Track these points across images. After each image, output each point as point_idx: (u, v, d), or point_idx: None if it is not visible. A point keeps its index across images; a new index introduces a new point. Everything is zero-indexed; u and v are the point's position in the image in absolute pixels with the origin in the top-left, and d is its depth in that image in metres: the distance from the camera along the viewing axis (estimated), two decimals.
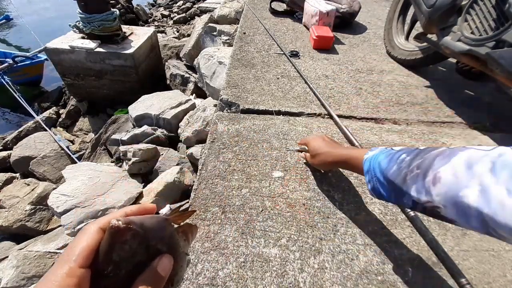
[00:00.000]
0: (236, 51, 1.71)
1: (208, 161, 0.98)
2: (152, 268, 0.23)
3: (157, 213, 0.30)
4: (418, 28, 1.58)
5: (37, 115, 3.23)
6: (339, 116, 1.23)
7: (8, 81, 3.73)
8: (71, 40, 2.96)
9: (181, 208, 0.33)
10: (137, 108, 2.28)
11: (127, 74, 3.07)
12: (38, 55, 4.41)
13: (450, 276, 0.64)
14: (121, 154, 1.80)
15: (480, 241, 0.80)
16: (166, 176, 1.55)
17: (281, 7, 2.39)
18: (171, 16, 6.42)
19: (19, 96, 3.45)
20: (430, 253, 0.73)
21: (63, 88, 4.07)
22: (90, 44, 2.91)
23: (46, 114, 3.35)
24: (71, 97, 3.54)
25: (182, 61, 3.33)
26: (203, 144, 1.27)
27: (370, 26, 2.29)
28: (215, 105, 1.73)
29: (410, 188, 0.47)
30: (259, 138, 1.09)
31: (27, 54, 4.37)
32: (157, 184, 1.52)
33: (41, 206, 1.89)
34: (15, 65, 4.12)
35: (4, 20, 7.03)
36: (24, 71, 4.29)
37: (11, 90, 3.58)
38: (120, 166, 1.87)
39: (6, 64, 3.99)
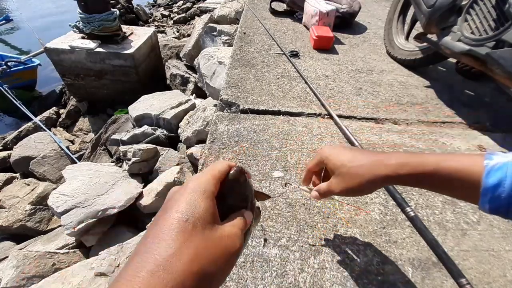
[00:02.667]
0: (236, 51, 1.71)
1: (208, 161, 0.98)
2: (242, 213, 0.31)
3: None
4: (418, 28, 1.58)
5: (35, 117, 3.23)
6: (339, 116, 1.23)
7: (4, 86, 3.72)
8: (71, 40, 2.96)
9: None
10: (137, 108, 2.28)
11: (127, 74, 3.07)
12: (32, 59, 4.39)
13: (450, 276, 0.64)
14: (121, 154, 1.80)
15: (480, 241, 0.80)
16: (166, 176, 1.55)
17: (281, 7, 2.39)
18: (171, 16, 6.42)
19: (13, 98, 3.44)
20: (430, 253, 0.73)
21: (63, 88, 4.07)
22: (90, 44, 2.91)
23: (46, 114, 3.35)
24: (71, 97, 3.54)
25: (182, 61, 3.33)
26: (203, 144, 1.27)
27: (370, 26, 2.29)
28: (215, 105, 1.73)
29: None
30: (259, 138, 1.09)
31: (20, 58, 4.35)
32: (157, 184, 1.52)
33: (41, 206, 1.89)
34: (8, 70, 4.08)
35: (4, 21, 7.03)
36: (17, 76, 4.22)
37: (6, 93, 3.57)
38: (120, 166, 1.87)
39: (0, 69, 3.98)
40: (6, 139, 3.01)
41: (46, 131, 2.81)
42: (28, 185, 2.10)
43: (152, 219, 0.30)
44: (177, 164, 1.74)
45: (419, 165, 0.41)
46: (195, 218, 0.25)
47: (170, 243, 0.23)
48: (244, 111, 1.23)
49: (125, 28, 3.28)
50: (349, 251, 0.74)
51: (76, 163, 2.29)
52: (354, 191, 0.47)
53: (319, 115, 1.27)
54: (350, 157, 0.47)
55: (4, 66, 4.04)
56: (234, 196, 0.31)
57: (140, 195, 1.53)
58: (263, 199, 0.44)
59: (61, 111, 3.54)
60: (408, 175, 0.41)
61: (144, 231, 1.31)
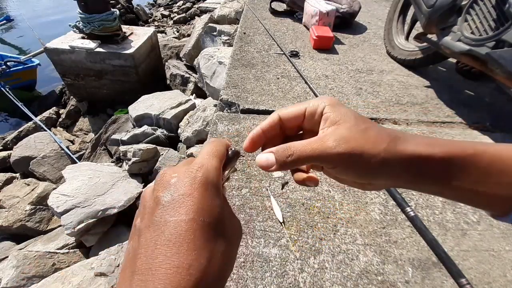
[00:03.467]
0: (236, 51, 1.71)
1: None
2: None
3: None
4: (418, 28, 1.58)
5: (35, 117, 3.23)
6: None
7: (6, 87, 3.72)
8: (71, 40, 2.96)
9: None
10: (137, 108, 2.28)
11: (127, 74, 3.08)
12: (32, 59, 4.38)
13: (450, 276, 0.64)
14: (121, 154, 1.81)
15: (480, 241, 0.80)
16: None
17: (281, 7, 2.39)
18: (171, 16, 6.43)
19: (14, 98, 3.44)
20: (430, 253, 0.73)
21: (63, 88, 4.07)
22: (90, 44, 2.91)
23: (46, 114, 3.35)
24: (71, 97, 3.54)
25: (182, 61, 3.33)
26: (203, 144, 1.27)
27: (370, 26, 2.29)
28: (215, 105, 1.73)
29: None
30: None
31: (20, 58, 4.34)
32: None
33: (41, 206, 1.89)
34: (7, 70, 4.07)
35: (4, 21, 7.03)
36: (16, 76, 4.21)
37: (6, 93, 3.58)
38: (120, 166, 1.87)
39: None
40: (6, 139, 3.01)
41: (46, 131, 2.81)
42: (28, 185, 2.10)
43: (140, 220, 0.23)
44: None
45: (456, 146, 0.26)
46: (214, 220, 0.22)
47: (202, 252, 0.20)
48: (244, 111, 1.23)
49: (125, 28, 3.28)
50: (349, 251, 0.74)
51: (76, 163, 2.29)
52: (359, 169, 0.26)
53: None
54: (366, 119, 0.28)
55: (4, 66, 4.03)
56: (227, 178, 0.31)
57: (140, 195, 1.53)
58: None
59: (61, 111, 3.54)
60: (441, 160, 0.25)
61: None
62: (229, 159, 0.29)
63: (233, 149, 0.30)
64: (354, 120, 0.27)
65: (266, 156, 0.28)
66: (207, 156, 0.25)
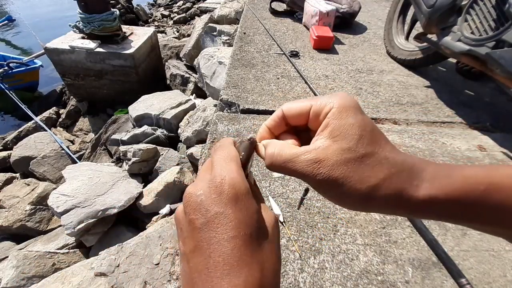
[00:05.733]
0: (236, 51, 1.71)
1: None
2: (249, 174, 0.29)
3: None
4: (418, 28, 1.58)
5: (36, 116, 3.23)
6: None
7: (6, 87, 3.72)
8: (71, 40, 2.96)
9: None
10: (137, 108, 2.28)
11: (127, 74, 3.08)
12: (34, 60, 4.38)
13: (450, 276, 0.64)
14: (121, 154, 1.81)
15: (480, 241, 0.80)
16: (166, 176, 1.55)
17: (281, 7, 2.39)
18: (171, 16, 6.43)
19: (16, 99, 3.45)
20: (430, 253, 0.73)
21: (63, 88, 4.07)
22: (90, 44, 2.91)
23: (46, 114, 3.35)
24: (71, 97, 3.54)
25: (182, 61, 3.33)
26: (203, 144, 1.27)
27: (370, 26, 2.29)
28: (215, 105, 1.73)
29: None
30: None
31: (22, 59, 4.34)
32: (157, 184, 1.52)
33: (41, 206, 1.89)
34: (9, 71, 4.06)
35: (6, 21, 7.03)
36: (18, 78, 4.20)
37: (9, 93, 3.58)
38: (120, 166, 1.87)
39: (1, 70, 3.96)
40: (6, 139, 3.01)
41: (47, 131, 2.81)
42: (28, 185, 2.10)
43: (181, 247, 0.23)
44: (177, 164, 1.74)
45: (467, 182, 0.22)
46: (256, 228, 0.22)
47: (252, 266, 0.20)
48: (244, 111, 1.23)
49: (125, 28, 3.28)
50: (349, 251, 0.74)
51: (76, 163, 2.29)
52: (349, 197, 0.23)
53: None
54: (376, 133, 0.24)
55: (6, 67, 4.02)
56: (250, 172, 0.29)
57: (140, 195, 1.53)
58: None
59: (61, 111, 3.54)
60: (449, 201, 0.22)
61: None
62: (245, 153, 0.27)
63: (247, 139, 0.28)
64: (355, 141, 0.22)
65: (261, 147, 0.29)
66: (224, 163, 0.24)
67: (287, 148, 0.25)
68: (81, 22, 2.91)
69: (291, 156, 0.24)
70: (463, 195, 0.22)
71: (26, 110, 3.27)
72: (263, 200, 0.26)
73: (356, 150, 0.22)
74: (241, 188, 0.22)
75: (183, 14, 5.95)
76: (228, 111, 1.26)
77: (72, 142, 2.95)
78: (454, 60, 1.72)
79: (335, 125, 0.23)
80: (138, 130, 2.03)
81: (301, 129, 0.28)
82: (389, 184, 0.22)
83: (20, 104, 3.39)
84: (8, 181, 2.21)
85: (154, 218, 1.44)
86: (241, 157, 0.26)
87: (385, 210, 0.23)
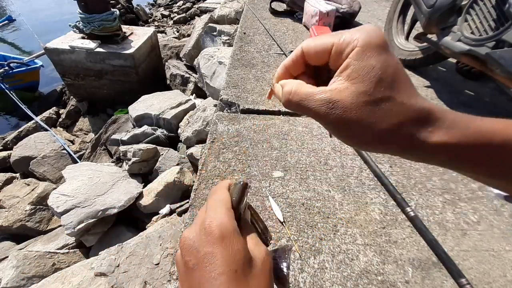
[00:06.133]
0: (236, 51, 1.71)
1: (208, 161, 0.98)
2: (245, 217, 0.32)
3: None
4: (418, 28, 1.58)
5: (36, 116, 3.23)
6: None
7: (6, 87, 3.73)
8: (71, 40, 2.96)
9: None
10: (137, 108, 2.28)
11: (127, 74, 3.08)
12: (35, 60, 4.37)
13: (450, 276, 0.64)
14: (121, 154, 1.81)
15: (480, 241, 0.80)
16: (166, 176, 1.55)
17: (281, 7, 2.39)
18: (171, 16, 6.43)
19: (16, 99, 3.45)
20: (430, 253, 0.73)
21: (63, 88, 4.07)
22: (90, 44, 2.91)
23: (46, 114, 3.35)
24: (71, 97, 3.54)
25: (182, 61, 3.33)
26: (203, 144, 1.27)
27: None
28: (215, 105, 1.73)
29: None
30: (259, 138, 1.09)
31: (23, 59, 4.33)
32: (157, 184, 1.52)
33: (41, 206, 1.89)
34: (10, 71, 4.06)
35: (6, 21, 7.03)
36: (19, 78, 4.19)
37: (9, 93, 3.58)
38: (120, 166, 1.87)
39: (1, 70, 3.96)
40: (6, 139, 3.01)
41: (48, 131, 2.81)
42: (28, 185, 2.10)
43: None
44: (177, 164, 1.74)
45: (483, 135, 0.22)
46: (241, 264, 0.24)
47: None
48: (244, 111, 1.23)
49: (125, 28, 3.28)
50: (349, 251, 0.74)
51: (77, 162, 2.29)
52: (360, 138, 0.24)
53: None
54: (399, 77, 0.23)
55: (6, 67, 4.02)
56: (244, 210, 0.32)
57: (140, 195, 1.53)
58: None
59: (61, 111, 3.54)
60: (467, 147, 0.22)
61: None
62: (237, 195, 0.30)
63: (240, 182, 0.31)
64: (373, 85, 0.22)
65: (278, 86, 0.28)
66: (214, 207, 0.27)
67: (303, 87, 0.24)
68: (81, 22, 2.91)
69: (307, 95, 0.24)
70: (477, 146, 0.22)
71: (26, 110, 3.28)
72: (256, 236, 0.29)
73: (372, 94, 0.22)
74: (227, 228, 0.24)
75: (183, 14, 5.95)
76: (228, 111, 1.26)
77: (72, 142, 2.95)
78: (454, 60, 1.72)
79: (355, 66, 0.22)
80: (138, 130, 2.03)
81: (322, 69, 0.26)
82: (401, 130, 0.22)
83: (20, 104, 3.39)
84: (8, 181, 2.21)
85: (154, 218, 1.44)
86: (233, 198, 0.29)
87: (394, 152, 0.24)
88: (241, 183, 0.31)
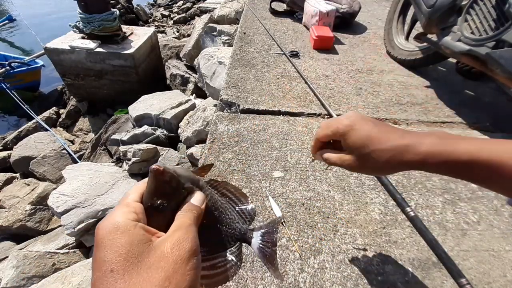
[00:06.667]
0: (236, 51, 1.71)
1: (208, 161, 0.98)
2: (187, 201, 0.30)
3: None
4: (418, 28, 1.58)
5: (37, 116, 3.24)
6: (339, 116, 1.23)
7: (7, 86, 3.73)
8: (71, 40, 2.96)
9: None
10: (137, 108, 2.28)
11: (127, 74, 3.07)
12: (36, 60, 4.37)
13: (450, 276, 0.64)
14: (121, 154, 1.81)
15: (480, 241, 0.80)
16: None
17: (281, 7, 2.39)
18: (171, 16, 6.42)
19: (17, 99, 3.45)
20: (430, 253, 0.73)
21: (63, 88, 4.07)
22: (90, 44, 2.90)
23: (46, 114, 3.35)
24: (71, 97, 3.54)
25: (182, 61, 3.33)
26: (203, 144, 1.27)
27: (370, 26, 2.29)
28: (215, 105, 1.73)
29: None
30: (259, 138, 1.09)
31: (24, 59, 4.33)
32: None
33: (41, 206, 1.89)
34: (11, 71, 4.05)
35: (7, 21, 7.02)
36: (20, 77, 4.17)
37: (10, 93, 3.58)
38: (120, 166, 1.87)
39: (2, 70, 3.96)
40: (6, 139, 3.01)
41: (48, 131, 2.81)
42: (28, 185, 2.10)
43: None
44: (177, 164, 1.74)
45: (452, 155, 0.36)
46: (121, 261, 0.23)
47: None
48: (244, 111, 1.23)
49: (125, 28, 3.28)
50: (349, 251, 0.74)
51: (77, 162, 2.29)
52: (370, 173, 0.46)
53: (319, 115, 1.27)
54: (374, 136, 0.40)
55: (8, 67, 4.02)
56: (168, 198, 0.29)
57: None
58: (208, 170, 0.42)
59: (61, 111, 3.54)
60: (438, 165, 0.37)
61: None
62: (148, 187, 0.29)
63: (152, 170, 0.28)
64: (361, 149, 0.41)
65: (318, 157, 0.49)
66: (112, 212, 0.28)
67: (332, 154, 0.46)
68: (81, 22, 2.91)
69: (335, 158, 0.45)
70: (449, 162, 0.36)
71: (28, 111, 3.28)
72: (187, 220, 0.28)
73: (361, 153, 0.41)
74: (104, 229, 0.25)
75: (183, 14, 5.95)
76: (228, 111, 1.26)
77: (72, 142, 2.95)
78: (454, 60, 1.72)
79: (346, 145, 0.43)
80: (138, 130, 2.03)
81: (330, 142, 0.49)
82: (390, 162, 0.39)
83: (21, 104, 3.39)
84: (8, 181, 2.21)
85: None
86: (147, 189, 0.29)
87: (394, 171, 0.42)
88: (154, 169, 0.28)
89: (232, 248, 0.37)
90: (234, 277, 0.67)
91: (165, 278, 0.23)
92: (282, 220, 0.80)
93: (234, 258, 0.36)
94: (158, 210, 0.28)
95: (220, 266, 0.34)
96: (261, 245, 0.38)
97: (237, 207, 0.40)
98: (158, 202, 0.28)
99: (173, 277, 0.23)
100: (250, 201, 0.42)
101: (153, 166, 0.28)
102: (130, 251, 0.23)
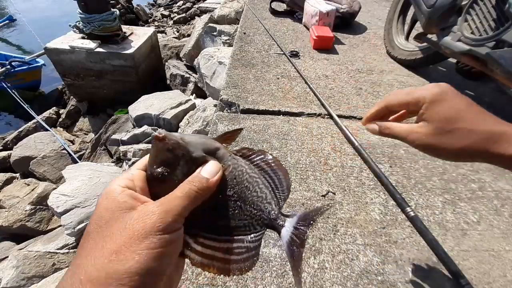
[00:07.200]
0: (236, 51, 1.71)
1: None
2: (197, 172, 0.27)
3: None
4: (418, 28, 1.58)
5: (37, 115, 3.24)
6: (339, 116, 1.23)
7: (8, 86, 3.73)
8: (71, 40, 2.96)
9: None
10: (137, 108, 2.28)
11: (127, 74, 3.07)
12: (37, 59, 4.37)
13: (450, 276, 0.64)
14: (121, 154, 1.81)
15: (480, 241, 0.80)
16: None
17: (281, 7, 2.39)
18: (171, 16, 6.42)
19: (18, 98, 3.45)
20: (430, 253, 0.73)
21: (63, 88, 4.07)
22: (90, 44, 2.91)
23: (46, 114, 3.35)
24: (71, 97, 3.54)
25: (182, 61, 3.33)
26: None
27: (370, 26, 2.29)
28: (215, 105, 1.73)
29: None
30: (259, 138, 1.09)
31: (25, 58, 4.33)
32: None
33: (41, 206, 1.89)
34: (12, 70, 4.06)
35: (7, 21, 7.02)
36: (20, 77, 4.18)
37: (11, 93, 3.58)
38: (120, 166, 1.87)
39: (3, 69, 3.96)
40: (6, 139, 3.01)
41: (49, 131, 2.81)
42: (28, 185, 2.10)
43: None
44: None
45: None
46: (93, 224, 0.23)
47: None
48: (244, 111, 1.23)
49: (125, 28, 3.28)
50: (349, 251, 0.74)
51: (77, 162, 2.29)
52: (439, 153, 0.37)
53: (319, 115, 1.27)
54: (467, 114, 0.35)
55: (8, 66, 4.02)
56: (170, 167, 0.26)
57: None
58: (232, 139, 0.35)
59: (61, 111, 3.54)
60: None
61: None
62: (151, 153, 0.27)
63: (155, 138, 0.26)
64: (443, 123, 0.35)
65: (373, 126, 0.44)
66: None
67: (398, 126, 0.40)
68: (81, 22, 2.91)
69: (404, 130, 0.39)
70: None
71: (28, 110, 3.28)
72: (180, 190, 0.25)
73: (443, 128, 0.35)
74: (101, 195, 0.25)
75: (183, 14, 5.95)
76: (228, 111, 1.26)
77: (72, 142, 2.95)
78: (454, 60, 1.72)
79: (427, 115, 0.37)
80: (138, 130, 2.03)
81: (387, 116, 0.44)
82: (472, 148, 0.34)
83: (22, 104, 3.39)
84: (8, 181, 2.21)
85: None
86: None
87: (468, 160, 0.37)
88: (156, 136, 0.26)
89: (255, 234, 0.30)
90: (235, 277, 0.67)
91: (113, 251, 0.21)
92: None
93: (254, 247, 0.29)
94: (159, 180, 0.26)
95: (237, 253, 0.29)
96: (292, 238, 0.30)
97: (273, 183, 0.33)
98: (158, 170, 0.26)
99: (121, 252, 0.20)
100: (289, 178, 0.34)
101: (155, 133, 0.27)
102: (102, 216, 0.23)
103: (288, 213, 0.31)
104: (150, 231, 0.21)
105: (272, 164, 0.34)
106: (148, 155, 0.28)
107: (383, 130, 0.41)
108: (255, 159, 0.34)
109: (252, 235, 0.30)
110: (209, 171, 0.27)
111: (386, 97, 0.41)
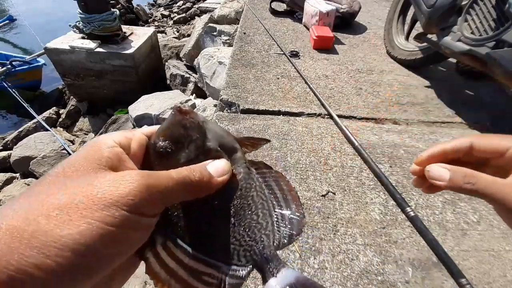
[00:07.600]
0: (236, 51, 1.71)
1: None
2: (203, 163, 0.23)
3: None
4: (418, 28, 1.58)
5: (37, 115, 3.24)
6: (339, 116, 1.23)
7: (8, 85, 3.73)
8: (71, 40, 2.96)
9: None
10: (137, 108, 2.28)
11: (127, 74, 3.08)
12: (37, 59, 4.37)
13: (450, 276, 0.64)
14: None
15: (480, 241, 0.80)
16: None
17: (281, 7, 2.39)
18: (171, 16, 6.43)
19: (19, 97, 3.45)
20: (430, 253, 0.73)
21: (63, 88, 4.07)
22: (90, 44, 2.91)
23: (46, 114, 3.35)
24: (71, 97, 3.54)
25: (182, 61, 3.33)
26: None
27: (370, 26, 2.29)
28: (215, 105, 1.73)
29: None
30: None
31: (25, 58, 4.33)
32: None
33: None
34: (12, 69, 4.06)
35: (7, 21, 7.02)
36: (21, 76, 4.18)
37: (12, 92, 3.58)
38: None
39: (4, 68, 3.96)
40: (6, 139, 3.01)
41: (49, 131, 2.81)
42: (28, 185, 2.10)
43: None
44: None
45: None
46: (57, 167, 0.19)
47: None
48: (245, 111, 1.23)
49: (125, 28, 3.28)
50: (349, 251, 0.74)
51: None
52: None
53: (319, 115, 1.27)
54: None
55: (9, 66, 4.03)
56: (177, 145, 0.23)
57: None
58: (254, 147, 0.30)
59: (61, 111, 3.54)
60: None
61: None
62: (164, 124, 0.24)
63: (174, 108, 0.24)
64: None
65: (440, 170, 0.27)
66: None
67: (491, 179, 0.26)
68: (81, 22, 2.91)
69: (493, 183, 0.25)
70: None
71: (29, 109, 3.28)
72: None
73: None
74: (91, 141, 0.22)
75: (183, 14, 5.95)
76: (228, 111, 1.26)
77: (72, 142, 2.95)
78: (454, 60, 1.72)
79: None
80: None
81: (466, 163, 0.28)
82: None
83: (23, 103, 3.39)
84: (8, 181, 2.21)
85: None
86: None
87: None
88: (178, 106, 0.24)
89: (236, 268, 0.23)
90: None
91: (58, 207, 0.16)
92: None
93: (229, 285, 0.23)
94: (159, 154, 0.23)
95: (204, 282, 0.22)
96: None
97: (280, 216, 0.27)
98: (163, 144, 0.23)
99: (67, 212, 0.16)
100: (303, 212, 0.28)
101: (180, 104, 0.23)
102: (74, 164, 0.19)
103: (285, 263, 0.25)
104: (116, 201, 0.17)
105: (287, 193, 0.28)
106: (160, 125, 0.25)
107: (464, 180, 0.26)
108: (269, 179, 0.28)
109: (233, 267, 0.23)
110: (217, 168, 0.23)
111: (471, 135, 0.29)
